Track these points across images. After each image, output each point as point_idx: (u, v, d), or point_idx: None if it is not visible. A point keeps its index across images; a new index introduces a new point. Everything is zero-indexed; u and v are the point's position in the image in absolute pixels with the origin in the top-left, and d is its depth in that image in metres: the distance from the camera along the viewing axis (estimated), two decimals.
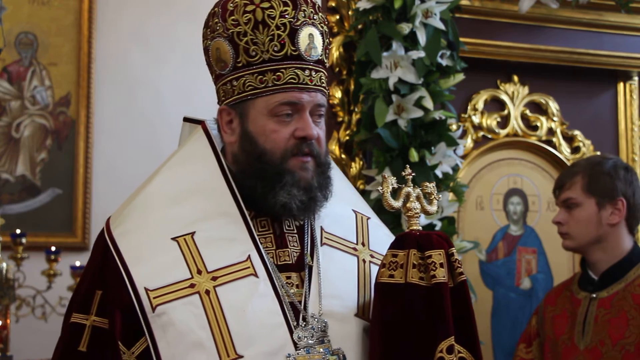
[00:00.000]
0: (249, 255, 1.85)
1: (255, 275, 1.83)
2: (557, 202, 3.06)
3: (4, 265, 3.87)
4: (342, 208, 2.04)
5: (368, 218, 2.09)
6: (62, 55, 4.67)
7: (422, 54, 3.22)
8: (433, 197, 1.89)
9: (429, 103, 3.23)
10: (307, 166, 1.88)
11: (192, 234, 1.85)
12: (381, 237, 2.08)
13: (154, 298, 1.78)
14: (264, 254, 1.86)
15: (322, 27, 1.91)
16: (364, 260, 1.99)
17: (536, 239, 3.87)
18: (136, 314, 1.78)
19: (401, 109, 3.23)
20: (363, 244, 2.02)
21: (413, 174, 1.89)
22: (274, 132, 1.86)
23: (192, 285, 1.79)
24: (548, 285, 3.76)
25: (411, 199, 1.86)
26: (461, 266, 1.81)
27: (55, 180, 4.58)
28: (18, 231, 4.09)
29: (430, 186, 1.90)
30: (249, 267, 1.84)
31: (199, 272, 1.81)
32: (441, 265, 1.76)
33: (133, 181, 4.44)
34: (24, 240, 4.08)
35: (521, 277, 3.83)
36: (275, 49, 1.84)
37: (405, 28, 3.22)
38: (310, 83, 1.87)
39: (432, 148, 3.26)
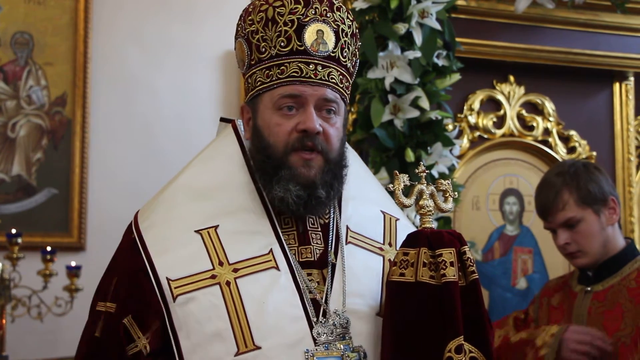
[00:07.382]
0: (272, 249, 1.87)
1: (277, 268, 1.85)
2: (551, 225, 2.91)
3: (0, 265, 3.86)
4: (369, 208, 2.05)
5: (397, 219, 2.08)
6: (58, 54, 4.65)
7: (418, 54, 3.23)
8: (448, 194, 1.87)
9: (425, 103, 3.24)
10: (311, 163, 1.87)
11: (216, 227, 1.88)
12: None
13: (175, 288, 1.81)
14: (286, 248, 1.88)
15: (336, 25, 1.90)
16: (389, 260, 1.97)
17: (532, 239, 3.87)
18: (158, 303, 1.82)
19: (397, 109, 3.23)
20: (390, 244, 2.02)
21: (427, 171, 1.88)
22: (277, 126, 1.88)
23: (213, 277, 1.82)
24: None
25: (424, 197, 1.84)
26: (473, 265, 1.79)
27: (51, 180, 4.56)
28: (14, 231, 4.08)
29: (445, 183, 1.88)
30: (270, 260, 1.86)
31: (221, 263, 1.84)
32: (452, 264, 1.74)
33: (129, 181, 4.48)
34: (19, 240, 4.07)
35: (517, 277, 3.84)
36: (282, 44, 1.87)
37: (402, 28, 3.23)
38: (314, 77, 1.87)
39: (428, 148, 3.27)
